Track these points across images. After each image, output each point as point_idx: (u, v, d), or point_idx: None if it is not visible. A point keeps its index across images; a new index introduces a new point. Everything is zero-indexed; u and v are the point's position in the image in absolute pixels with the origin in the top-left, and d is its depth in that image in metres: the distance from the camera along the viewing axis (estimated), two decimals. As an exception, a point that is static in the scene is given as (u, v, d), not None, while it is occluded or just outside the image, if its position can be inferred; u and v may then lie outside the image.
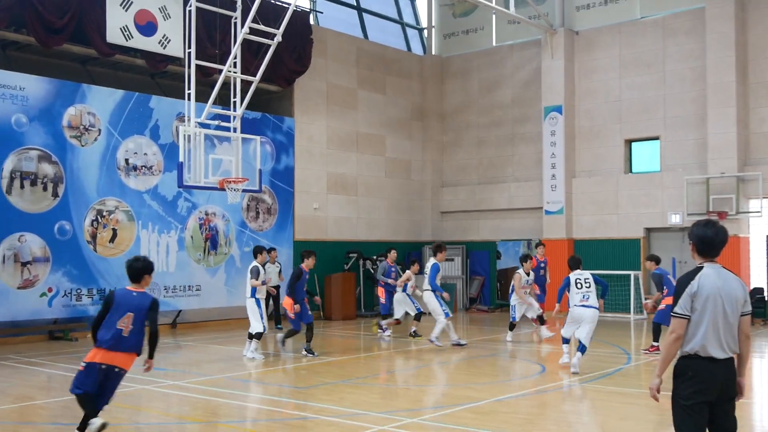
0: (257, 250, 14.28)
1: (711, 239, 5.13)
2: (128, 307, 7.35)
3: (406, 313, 16.82)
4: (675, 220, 20.68)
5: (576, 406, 9.77)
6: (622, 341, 15.73)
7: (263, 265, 14.16)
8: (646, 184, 21.58)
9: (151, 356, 7.48)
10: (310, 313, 13.84)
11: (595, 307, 12.00)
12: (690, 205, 20.08)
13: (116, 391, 7.46)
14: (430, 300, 15.02)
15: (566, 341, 12.63)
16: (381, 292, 17.00)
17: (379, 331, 16.90)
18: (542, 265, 18.41)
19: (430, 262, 15.30)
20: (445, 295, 14.98)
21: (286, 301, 13.85)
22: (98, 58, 17.88)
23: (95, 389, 7.27)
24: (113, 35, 17.17)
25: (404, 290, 16.49)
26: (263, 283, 13.89)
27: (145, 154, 18.46)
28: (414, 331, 16.35)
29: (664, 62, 21.51)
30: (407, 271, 16.62)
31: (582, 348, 11.91)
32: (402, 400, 10.10)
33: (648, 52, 21.80)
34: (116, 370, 7.32)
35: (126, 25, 17.35)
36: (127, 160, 18.09)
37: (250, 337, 13.74)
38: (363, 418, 8.75)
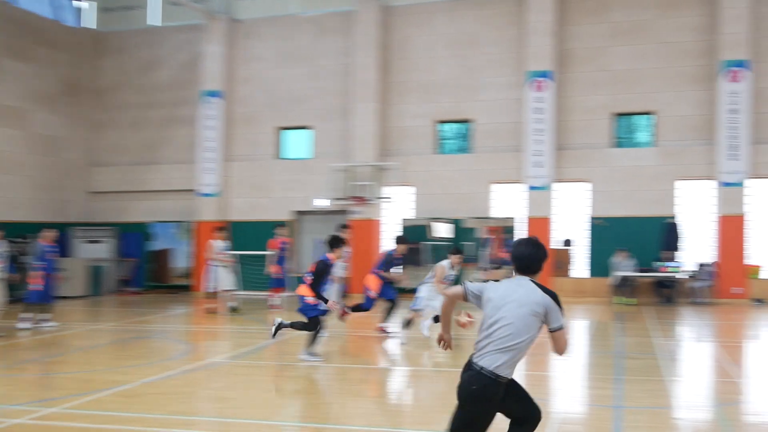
0: None
1: (525, 257, 4.83)
2: None
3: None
4: (320, 203, 21.21)
5: (224, 382, 9.40)
6: (269, 318, 15.58)
7: None
8: (297, 170, 21.89)
9: None
10: None
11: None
12: (334, 191, 20.68)
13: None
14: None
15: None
16: (373, 282, 12.95)
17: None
18: None
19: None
20: None
21: None
22: None
23: None
24: None
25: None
26: None
27: None
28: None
29: (317, 57, 21.97)
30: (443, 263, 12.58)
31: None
32: (40, 388, 8.82)
33: (303, 47, 22.14)
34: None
35: None
36: None
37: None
38: (-11, 411, 7.39)
